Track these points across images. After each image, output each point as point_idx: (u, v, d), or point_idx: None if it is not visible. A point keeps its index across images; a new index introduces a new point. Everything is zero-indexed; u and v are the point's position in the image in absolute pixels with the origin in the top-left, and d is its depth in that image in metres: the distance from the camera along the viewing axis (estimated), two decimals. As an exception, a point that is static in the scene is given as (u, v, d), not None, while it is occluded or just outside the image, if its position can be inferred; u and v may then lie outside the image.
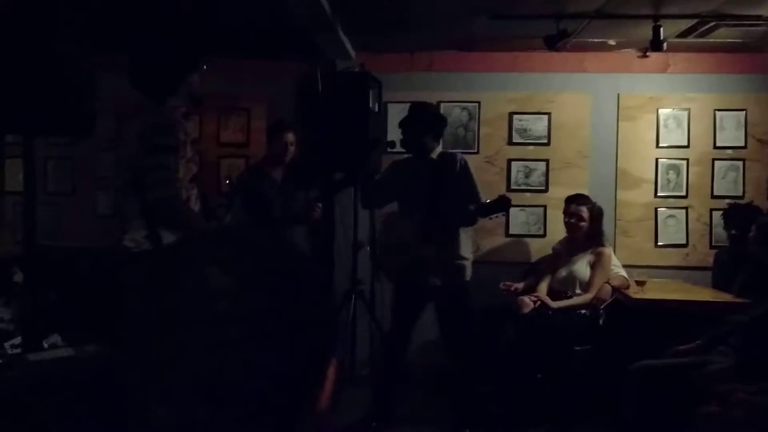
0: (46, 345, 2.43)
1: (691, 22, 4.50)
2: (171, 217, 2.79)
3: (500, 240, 5.52)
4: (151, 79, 2.93)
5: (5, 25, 2.50)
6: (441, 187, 4.02)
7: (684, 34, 4.71)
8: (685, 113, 5.43)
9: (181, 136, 2.83)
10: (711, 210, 5.38)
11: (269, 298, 0.73)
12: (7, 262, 2.81)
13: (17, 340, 2.41)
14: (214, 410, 0.70)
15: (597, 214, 4.67)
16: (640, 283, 4.59)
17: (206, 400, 0.69)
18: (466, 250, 4.16)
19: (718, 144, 5.42)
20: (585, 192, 4.97)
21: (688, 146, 5.43)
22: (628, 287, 4.59)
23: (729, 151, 5.41)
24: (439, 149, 4.18)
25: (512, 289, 4.77)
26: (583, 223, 4.62)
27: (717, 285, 4.74)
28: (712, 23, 4.45)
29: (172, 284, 0.72)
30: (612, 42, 5.06)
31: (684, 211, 5.43)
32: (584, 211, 4.63)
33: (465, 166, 4.12)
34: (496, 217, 3.98)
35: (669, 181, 5.44)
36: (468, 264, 4.16)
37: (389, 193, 4.34)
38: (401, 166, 4.32)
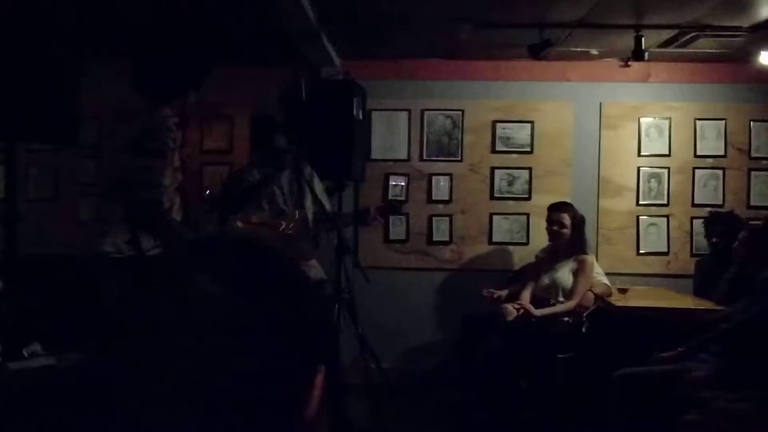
0: (26, 353, 2.40)
1: (672, 33, 4.56)
2: (152, 221, 2.78)
3: (483, 247, 5.54)
4: (156, 87, 2.93)
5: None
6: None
7: (665, 44, 4.77)
8: (667, 122, 5.49)
9: (170, 143, 2.82)
10: (692, 218, 5.43)
11: (258, 306, 0.73)
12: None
13: (-3, 349, 2.38)
14: (204, 417, 0.69)
15: (579, 221, 4.70)
16: (623, 291, 4.63)
17: (197, 406, 0.69)
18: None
19: (698, 153, 5.48)
20: (568, 200, 5.00)
21: (669, 155, 5.49)
22: (610, 295, 4.62)
23: (709, 160, 5.48)
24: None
25: (495, 296, 4.78)
26: (565, 230, 4.65)
27: (698, 292, 4.78)
28: (693, 34, 4.51)
29: (162, 291, 0.72)
30: (594, 51, 5.11)
31: (665, 219, 5.48)
32: (566, 219, 4.66)
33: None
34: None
35: (650, 189, 5.49)
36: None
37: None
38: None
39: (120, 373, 0.74)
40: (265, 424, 0.73)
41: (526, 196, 5.51)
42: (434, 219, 5.54)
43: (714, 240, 4.75)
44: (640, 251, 5.48)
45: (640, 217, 5.49)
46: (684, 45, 4.77)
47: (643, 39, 4.43)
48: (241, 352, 0.71)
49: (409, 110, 5.55)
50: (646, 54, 4.48)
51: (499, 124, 5.54)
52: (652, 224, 5.48)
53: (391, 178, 5.53)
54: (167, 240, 2.73)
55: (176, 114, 2.98)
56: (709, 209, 5.17)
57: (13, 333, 2.43)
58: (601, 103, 5.51)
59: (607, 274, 4.88)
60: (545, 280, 4.65)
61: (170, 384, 0.70)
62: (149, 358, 0.71)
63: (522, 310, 4.49)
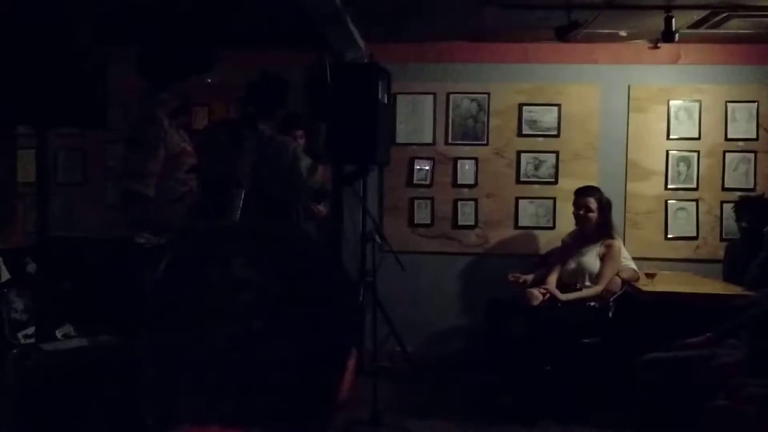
0: (59, 335, 2.45)
1: (703, 13, 4.47)
2: (130, 209, 2.83)
3: (509, 232, 5.52)
4: (157, 70, 2.95)
5: (19, 17, 2.51)
6: None
7: (696, 25, 4.68)
8: (696, 105, 5.40)
9: (155, 133, 2.83)
10: (722, 202, 5.35)
11: (293, 291, 0.73)
12: (20, 253, 2.83)
13: (30, 330, 2.42)
14: (238, 402, 0.70)
15: (606, 205, 4.66)
16: (650, 276, 4.58)
17: (231, 392, 0.70)
18: None
19: (729, 136, 5.39)
20: (595, 184, 4.95)
21: (699, 138, 5.40)
22: (637, 279, 4.58)
23: (740, 143, 5.38)
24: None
25: (521, 281, 4.77)
26: (591, 215, 4.61)
27: (727, 278, 4.73)
28: (725, 14, 4.42)
29: (197, 274, 0.73)
30: (623, 33, 5.03)
31: (694, 203, 5.40)
32: (593, 203, 4.62)
33: None
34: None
35: (679, 173, 5.42)
36: None
37: None
38: None
39: (153, 356, 0.75)
40: (300, 407, 0.73)
41: (553, 180, 5.47)
42: (459, 203, 5.52)
43: (744, 224, 4.68)
44: (669, 236, 5.42)
45: (669, 201, 5.42)
46: (715, 26, 4.68)
47: (673, 20, 4.35)
48: (276, 336, 0.71)
49: (434, 94, 5.52)
50: (677, 35, 4.41)
51: (525, 108, 5.49)
52: (680, 209, 5.41)
53: (416, 162, 5.53)
54: (151, 227, 2.78)
55: (177, 98, 2.98)
56: (739, 193, 5.10)
57: (46, 314, 2.47)
58: (629, 86, 5.43)
59: (635, 258, 4.83)
60: (572, 264, 4.62)
61: (203, 368, 0.71)
62: (182, 341, 0.72)
63: (548, 295, 4.47)
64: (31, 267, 2.63)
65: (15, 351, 2.24)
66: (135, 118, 2.92)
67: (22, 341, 2.37)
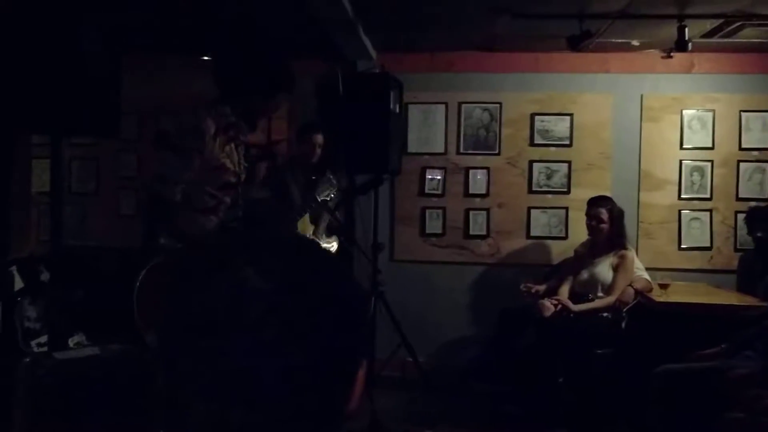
0: (71, 344, 2.46)
1: (716, 22, 4.45)
2: (156, 212, 2.83)
3: (521, 242, 5.50)
4: (236, 80, 2.92)
5: (32, 26, 2.54)
6: None
7: (709, 34, 4.66)
8: (710, 114, 5.37)
9: (193, 143, 2.82)
10: (736, 212, 5.31)
11: (304, 301, 0.73)
12: (33, 262, 2.85)
13: (43, 339, 2.44)
14: (248, 412, 0.70)
15: (617, 216, 4.63)
16: (664, 286, 4.54)
17: (241, 401, 0.69)
18: None
19: (743, 145, 5.35)
20: (608, 194, 4.93)
21: (712, 147, 5.37)
22: (651, 290, 4.55)
23: (755, 153, 5.34)
24: None
25: (533, 291, 4.74)
26: (603, 225, 4.59)
27: (742, 288, 4.68)
28: (738, 23, 4.39)
29: (208, 284, 0.73)
30: (635, 42, 5.02)
31: (708, 213, 5.37)
32: (604, 214, 4.59)
33: None
34: None
35: (693, 182, 5.38)
36: None
37: None
38: None
39: (164, 365, 0.75)
40: (310, 417, 0.73)
41: (565, 189, 5.45)
42: (471, 213, 5.51)
43: (758, 235, 4.63)
44: (682, 246, 5.38)
45: (682, 211, 5.38)
46: (729, 35, 4.65)
47: (686, 29, 4.34)
48: (287, 346, 0.71)
49: (445, 103, 5.52)
50: (690, 44, 4.39)
51: (537, 117, 5.48)
52: (694, 218, 5.38)
53: (428, 171, 5.53)
54: (176, 235, 2.77)
55: (241, 113, 2.94)
56: (750, 204, 5.05)
57: (59, 323, 2.49)
58: (642, 95, 5.41)
59: (648, 269, 4.80)
60: (584, 275, 4.59)
61: (214, 377, 0.71)
62: (193, 350, 0.72)
63: (560, 306, 4.44)
64: (45, 276, 2.64)
65: (28, 359, 2.26)
66: (180, 125, 2.91)
67: (35, 350, 2.38)
